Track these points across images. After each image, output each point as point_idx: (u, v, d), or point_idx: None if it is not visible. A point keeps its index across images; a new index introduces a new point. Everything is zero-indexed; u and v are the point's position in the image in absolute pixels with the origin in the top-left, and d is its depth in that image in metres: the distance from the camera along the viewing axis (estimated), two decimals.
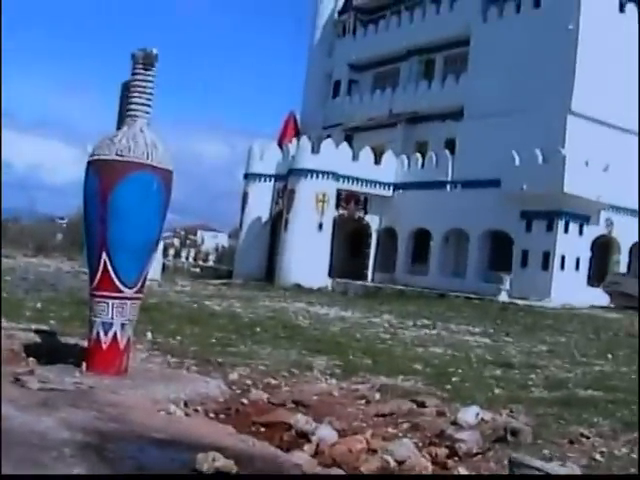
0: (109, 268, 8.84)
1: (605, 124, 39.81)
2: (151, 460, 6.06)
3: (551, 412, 9.78)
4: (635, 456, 7.91)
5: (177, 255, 78.15)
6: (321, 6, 58.46)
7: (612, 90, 39.45)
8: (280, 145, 49.45)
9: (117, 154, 8.77)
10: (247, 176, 48.66)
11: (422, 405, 9.52)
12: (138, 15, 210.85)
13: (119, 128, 9.51)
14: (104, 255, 8.81)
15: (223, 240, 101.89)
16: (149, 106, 9.23)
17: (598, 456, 7.80)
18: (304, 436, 7.72)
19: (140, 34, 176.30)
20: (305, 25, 60.71)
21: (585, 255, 38.21)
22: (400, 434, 8.06)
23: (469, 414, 8.86)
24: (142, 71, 9.18)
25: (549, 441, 8.20)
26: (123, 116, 9.50)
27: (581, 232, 37.79)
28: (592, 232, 38.67)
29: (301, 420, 8.14)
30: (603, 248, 39.75)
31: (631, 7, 42.23)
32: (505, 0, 44.60)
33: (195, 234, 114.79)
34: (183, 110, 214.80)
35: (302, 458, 6.87)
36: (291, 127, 54.33)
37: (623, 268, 40.40)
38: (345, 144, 46.89)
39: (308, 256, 41.72)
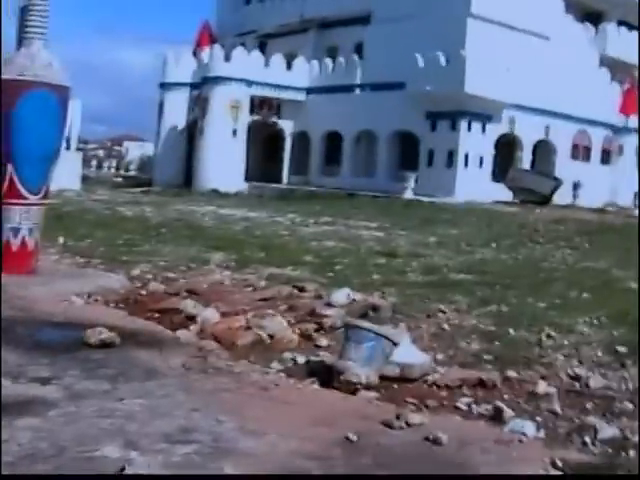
0: (14, 178, 9.84)
1: (505, 26, 40.77)
2: (47, 337, 7.24)
3: (419, 293, 10.97)
4: (482, 326, 9.19)
5: (100, 166, 78.16)
6: None
7: None
8: (195, 54, 49.68)
9: (16, 74, 9.71)
10: (163, 85, 48.78)
11: (302, 290, 10.67)
12: None
13: (18, 49, 10.34)
14: (10, 167, 9.82)
15: (149, 150, 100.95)
16: (45, 27, 10.08)
17: (446, 326, 9.06)
18: (192, 319, 8.82)
19: None
20: None
21: (488, 152, 39.46)
22: (277, 314, 9.08)
23: (341, 295, 10.05)
24: None
25: (408, 315, 9.40)
26: (21, 38, 10.28)
27: (484, 130, 39.04)
28: (495, 130, 39.87)
29: (189, 305, 9.28)
30: (507, 146, 41.00)
31: None
32: None
33: (121, 145, 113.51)
34: (106, 22, 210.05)
35: (184, 335, 8.06)
36: (206, 35, 54.12)
37: (527, 165, 41.86)
38: (257, 51, 47.36)
39: (224, 162, 42.53)
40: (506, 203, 34.95)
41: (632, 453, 5.22)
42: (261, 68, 45.60)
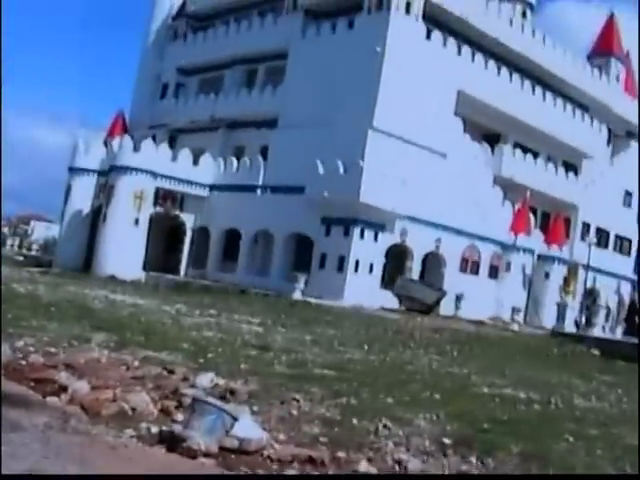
0: None
1: (405, 140, 42.43)
2: None
3: (279, 383, 11.96)
4: (329, 414, 10.20)
5: (3, 243, 78.18)
6: (156, 10, 59.72)
7: (413, 110, 42.25)
8: (106, 142, 50.58)
9: None
10: (71, 169, 49.46)
11: (171, 372, 11.65)
12: None
13: None
14: None
15: (55, 231, 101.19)
16: None
17: (295, 412, 10.05)
18: (65, 389, 9.71)
19: None
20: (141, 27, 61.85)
21: (379, 260, 40.60)
22: (143, 391, 10.03)
23: (205, 379, 11.07)
24: None
25: (263, 400, 10.41)
26: None
27: (376, 239, 40.20)
28: (387, 239, 41.12)
29: (64, 377, 10.19)
30: (398, 255, 42.33)
31: (437, 34, 45.10)
32: (324, 20, 46.94)
33: (28, 224, 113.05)
34: (26, 101, 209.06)
35: (53, 401, 8.97)
36: (119, 125, 55.26)
37: (416, 275, 43.16)
38: (165, 145, 48.63)
39: (124, 249, 43.18)
40: (391, 310, 36.01)
41: None
42: (168, 161, 46.76)
